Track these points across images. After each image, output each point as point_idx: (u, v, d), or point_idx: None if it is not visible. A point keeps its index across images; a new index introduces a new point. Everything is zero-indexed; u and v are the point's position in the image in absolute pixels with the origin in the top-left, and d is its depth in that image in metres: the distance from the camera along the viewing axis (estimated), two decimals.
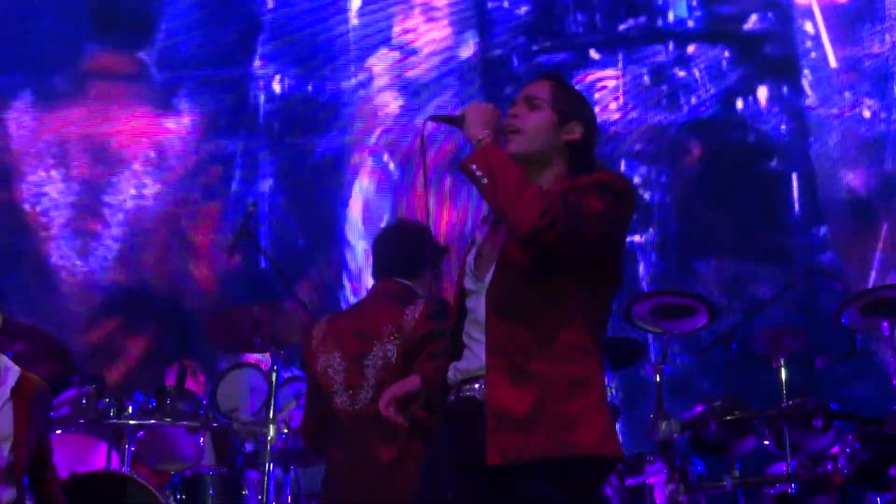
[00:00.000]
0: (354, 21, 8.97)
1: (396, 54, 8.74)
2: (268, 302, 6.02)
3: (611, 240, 3.69)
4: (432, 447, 3.75)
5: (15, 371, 4.97)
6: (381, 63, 8.89)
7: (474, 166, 3.63)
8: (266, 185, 8.98)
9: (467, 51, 8.88)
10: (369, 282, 5.06)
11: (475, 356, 3.68)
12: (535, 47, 8.97)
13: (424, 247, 4.81)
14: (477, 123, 3.72)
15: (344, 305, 8.19)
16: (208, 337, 6.19)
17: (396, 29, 8.88)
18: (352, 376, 4.66)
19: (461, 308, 3.79)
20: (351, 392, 4.67)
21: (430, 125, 3.84)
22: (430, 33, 8.75)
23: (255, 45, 9.26)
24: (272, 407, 5.63)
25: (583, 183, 3.66)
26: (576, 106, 3.84)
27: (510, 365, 3.60)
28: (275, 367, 5.70)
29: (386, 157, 8.61)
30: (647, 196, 8.60)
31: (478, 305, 3.69)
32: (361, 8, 9.00)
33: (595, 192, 3.62)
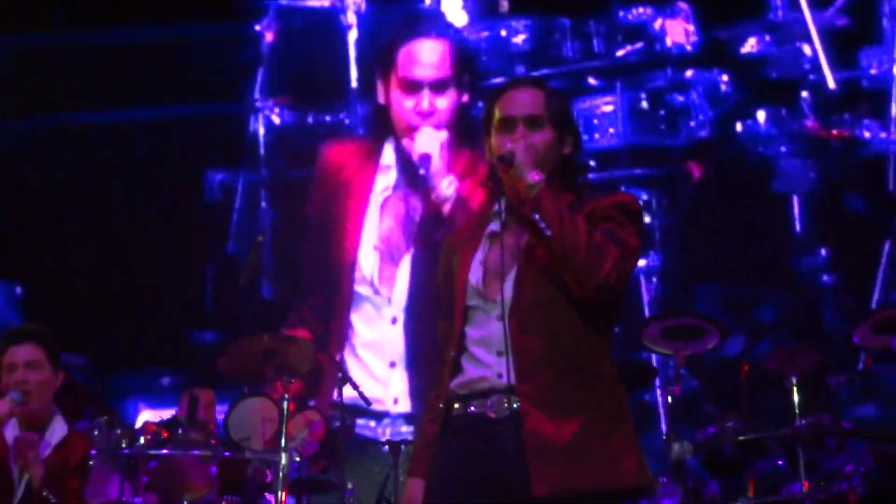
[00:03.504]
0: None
1: None
2: (278, 332, 6.08)
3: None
4: (439, 463, 3.70)
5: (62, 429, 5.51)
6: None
7: (537, 216, 3.56)
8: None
9: None
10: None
11: (483, 377, 3.66)
12: (533, 75, 9.03)
13: None
14: (529, 165, 3.62)
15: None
16: (218, 368, 6.21)
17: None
18: None
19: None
20: None
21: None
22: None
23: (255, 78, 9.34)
24: (284, 435, 5.66)
25: (611, 211, 3.66)
26: (567, 115, 3.83)
27: (546, 394, 3.58)
28: (286, 396, 5.73)
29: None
30: (648, 220, 8.66)
31: (489, 327, 3.66)
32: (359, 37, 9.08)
33: (629, 224, 3.63)
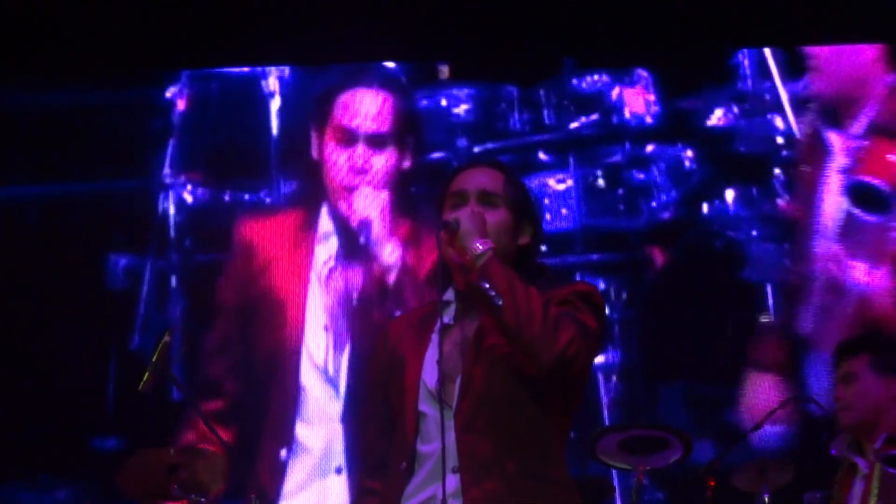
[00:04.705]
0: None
1: None
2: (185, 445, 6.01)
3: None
4: None
5: None
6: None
7: (486, 284, 3.57)
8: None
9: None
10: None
11: (431, 497, 3.62)
12: (476, 149, 9.05)
13: None
14: (476, 233, 3.65)
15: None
16: (116, 485, 6.12)
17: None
18: None
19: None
20: None
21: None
22: None
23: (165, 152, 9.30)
24: None
25: (568, 297, 3.68)
26: (528, 203, 3.86)
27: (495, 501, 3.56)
28: None
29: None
30: (607, 312, 8.65)
31: (437, 431, 3.60)
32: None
33: (588, 310, 3.65)
